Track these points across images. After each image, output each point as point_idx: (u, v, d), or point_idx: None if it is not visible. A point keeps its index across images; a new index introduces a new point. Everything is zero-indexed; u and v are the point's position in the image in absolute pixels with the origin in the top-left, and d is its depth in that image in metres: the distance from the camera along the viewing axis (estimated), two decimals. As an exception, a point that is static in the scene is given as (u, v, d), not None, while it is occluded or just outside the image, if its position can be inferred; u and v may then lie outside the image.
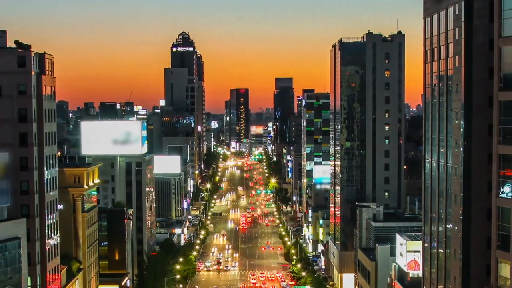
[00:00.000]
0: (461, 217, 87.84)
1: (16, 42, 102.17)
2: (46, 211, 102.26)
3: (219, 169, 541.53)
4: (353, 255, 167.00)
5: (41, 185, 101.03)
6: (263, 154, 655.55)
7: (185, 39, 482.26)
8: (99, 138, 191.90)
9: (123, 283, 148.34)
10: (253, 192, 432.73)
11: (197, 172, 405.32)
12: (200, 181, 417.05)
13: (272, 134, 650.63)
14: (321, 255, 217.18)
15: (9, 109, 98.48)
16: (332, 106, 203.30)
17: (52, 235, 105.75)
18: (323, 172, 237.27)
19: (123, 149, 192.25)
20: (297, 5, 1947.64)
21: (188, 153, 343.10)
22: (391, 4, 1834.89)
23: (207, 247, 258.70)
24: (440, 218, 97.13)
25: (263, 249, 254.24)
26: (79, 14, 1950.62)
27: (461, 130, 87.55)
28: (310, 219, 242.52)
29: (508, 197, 77.40)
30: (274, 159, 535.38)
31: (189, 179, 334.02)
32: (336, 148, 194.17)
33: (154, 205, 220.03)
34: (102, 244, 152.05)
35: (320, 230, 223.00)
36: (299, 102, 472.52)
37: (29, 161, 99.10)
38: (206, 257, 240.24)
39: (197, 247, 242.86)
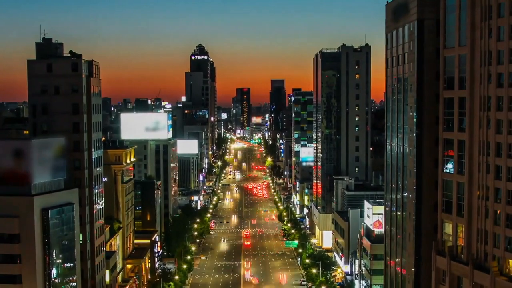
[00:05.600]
0: (414, 187, 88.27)
1: (71, 52, 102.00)
2: (93, 183, 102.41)
3: (228, 150, 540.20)
4: (331, 216, 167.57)
5: (89, 163, 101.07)
6: (261, 138, 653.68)
7: (201, 50, 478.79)
8: (134, 127, 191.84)
9: (153, 238, 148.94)
10: (255, 169, 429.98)
11: (210, 152, 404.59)
12: (212, 159, 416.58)
13: (268, 123, 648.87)
14: (306, 216, 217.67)
15: (65, 104, 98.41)
16: (314, 101, 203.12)
17: (98, 201, 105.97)
18: (308, 153, 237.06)
19: (153, 135, 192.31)
20: (290, 23, 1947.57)
21: (203, 137, 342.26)
22: (361, 22, 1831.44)
23: (218, 210, 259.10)
24: (398, 188, 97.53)
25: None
26: (121, 31, 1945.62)
27: (414, 120, 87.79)
28: (297, 189, 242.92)
29: (451, 172, 77.73)
30: (270, 142, 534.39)
31: (204, 158, 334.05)
32: (318, 134, 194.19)
33: (177, 178, 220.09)
34: (137, 208, 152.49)
35: (306, 197, 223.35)
36: (290, 98, 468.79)
37: (80, 144, 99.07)
38: (218, 218, 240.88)
39: (210, 210, 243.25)
